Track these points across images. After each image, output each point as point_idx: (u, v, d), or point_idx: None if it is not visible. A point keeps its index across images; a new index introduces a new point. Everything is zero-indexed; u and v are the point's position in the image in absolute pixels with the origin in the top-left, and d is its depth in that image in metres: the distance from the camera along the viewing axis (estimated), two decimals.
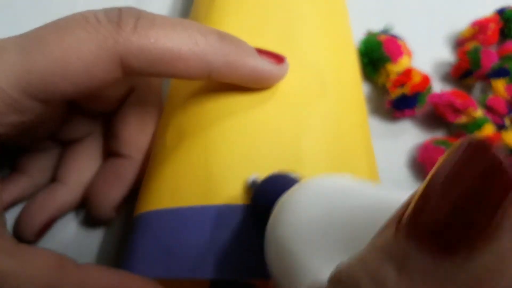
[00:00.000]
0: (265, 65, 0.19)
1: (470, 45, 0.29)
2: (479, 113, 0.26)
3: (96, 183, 0.23)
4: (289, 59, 0.21)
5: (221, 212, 0.17)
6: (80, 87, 0.17)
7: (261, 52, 0.19)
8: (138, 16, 0.17)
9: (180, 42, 0.17)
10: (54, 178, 0.24)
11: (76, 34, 0.16)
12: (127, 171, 0.22)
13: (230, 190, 0.17)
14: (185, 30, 0.17)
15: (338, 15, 0.26)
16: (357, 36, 0.29)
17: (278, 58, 0.19)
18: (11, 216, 0.23)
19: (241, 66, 0.18)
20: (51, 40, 0.16)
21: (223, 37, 0.18)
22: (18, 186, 0.23)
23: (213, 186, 0.18)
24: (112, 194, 0.22)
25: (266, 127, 0.19)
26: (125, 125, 0.22)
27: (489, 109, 0.26)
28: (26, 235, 0.22)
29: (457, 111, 0.26)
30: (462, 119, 0.26)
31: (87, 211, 0.24)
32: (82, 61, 0.16)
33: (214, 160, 0.18)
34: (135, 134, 0.22)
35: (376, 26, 0.30)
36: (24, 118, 0.17)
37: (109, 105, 0.22)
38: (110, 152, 0.23)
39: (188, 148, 0.19)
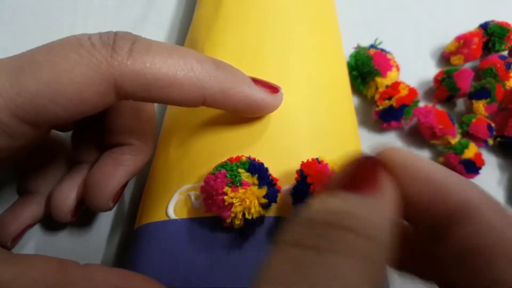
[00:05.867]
0: (259, 94, 0.18)
1: (444, 71, 0.29)
2: (456, 140, 0.27)
3: (94, 172, 0.21)
4: (283, 82, 0.21)
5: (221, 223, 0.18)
6: (71, 111, 0.16)
7: (256, 81, 0.19)
8: (133, 40, 0.17)
9: (176, 68, 0.17)
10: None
11: (68, 57, 0.16)
12: (125, 156, 0.21)
13: None
14: (180, 56, 0.17)
15: (331, 32, 0.27)
16: (347, 50, 0.30)
17: (273, 88, 0.19)
18: None
19: (236, 94, 0.18)
20: (43, 62, 0.15)
21: (218, 65, 0.18)
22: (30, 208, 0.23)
23: None
24: (112, 180, 0.21)
25: (266, 143, 0.19)
26: (118, 117, 0.21)
27: (471, 136, 0.27)
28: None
29: (435, 135, 0.27)
30: (439, 142, 0.27)
31: (88, 222, 0.24)
32: (74, 84, 0.15)
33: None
34: (131, 122, 0.21)
35: (365, 40, 0.31)
36: (14, 143, 0.16)
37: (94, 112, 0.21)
38: (107, 146, 0.22)
39: (193, 163, 0.20)
